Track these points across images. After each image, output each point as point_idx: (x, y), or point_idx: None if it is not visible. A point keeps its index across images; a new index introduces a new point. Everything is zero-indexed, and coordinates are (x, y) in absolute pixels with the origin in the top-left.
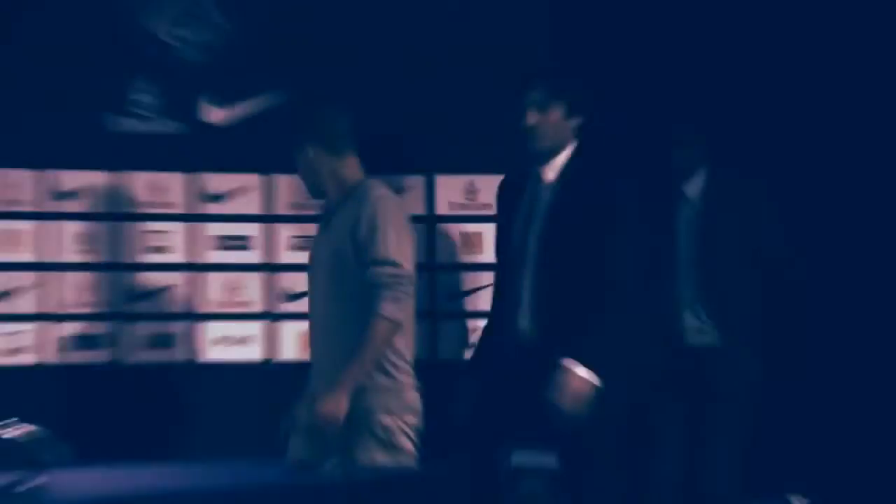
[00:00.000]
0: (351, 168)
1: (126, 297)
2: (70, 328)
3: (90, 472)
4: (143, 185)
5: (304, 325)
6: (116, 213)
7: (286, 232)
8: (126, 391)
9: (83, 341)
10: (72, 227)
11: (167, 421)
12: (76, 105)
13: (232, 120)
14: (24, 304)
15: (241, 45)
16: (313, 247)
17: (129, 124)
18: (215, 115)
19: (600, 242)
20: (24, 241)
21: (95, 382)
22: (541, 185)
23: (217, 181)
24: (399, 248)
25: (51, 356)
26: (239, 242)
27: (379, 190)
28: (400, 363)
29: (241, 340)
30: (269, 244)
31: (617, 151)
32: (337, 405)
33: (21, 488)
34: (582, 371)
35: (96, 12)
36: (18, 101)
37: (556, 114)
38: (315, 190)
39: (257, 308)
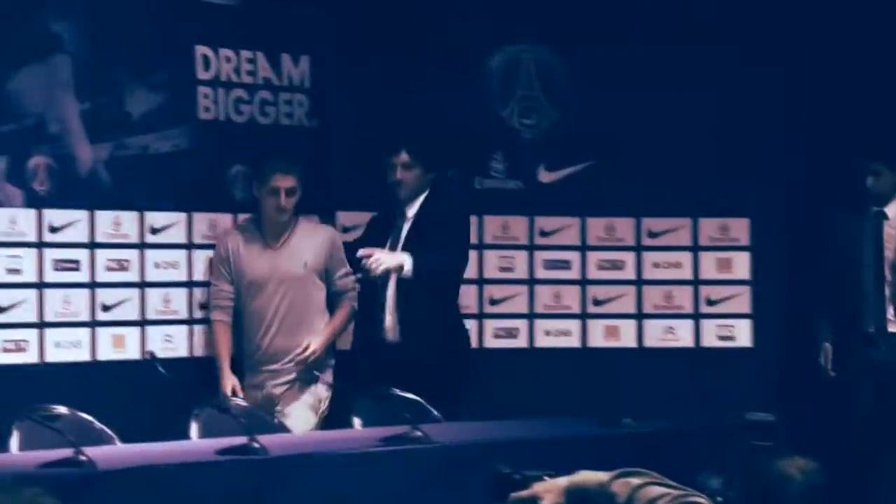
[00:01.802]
0: None
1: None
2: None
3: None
4: (497, 225)
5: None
6: (473, 245)
7: (595, 256)
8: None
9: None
10: None
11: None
12: (463, 171)
13: (558, 180)
14: None
15: (564, 128)
16: None
17: (490, 183)
18: (546, 176)
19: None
20: None
21: None
22: (403, 220)
23: (545, 223)
24: None
25: None
26: (563, 264)
27: None
28: None
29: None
30: (584, 266)
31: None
32: None
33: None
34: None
35: (470, 112)
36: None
37: (416, 171)
38: None
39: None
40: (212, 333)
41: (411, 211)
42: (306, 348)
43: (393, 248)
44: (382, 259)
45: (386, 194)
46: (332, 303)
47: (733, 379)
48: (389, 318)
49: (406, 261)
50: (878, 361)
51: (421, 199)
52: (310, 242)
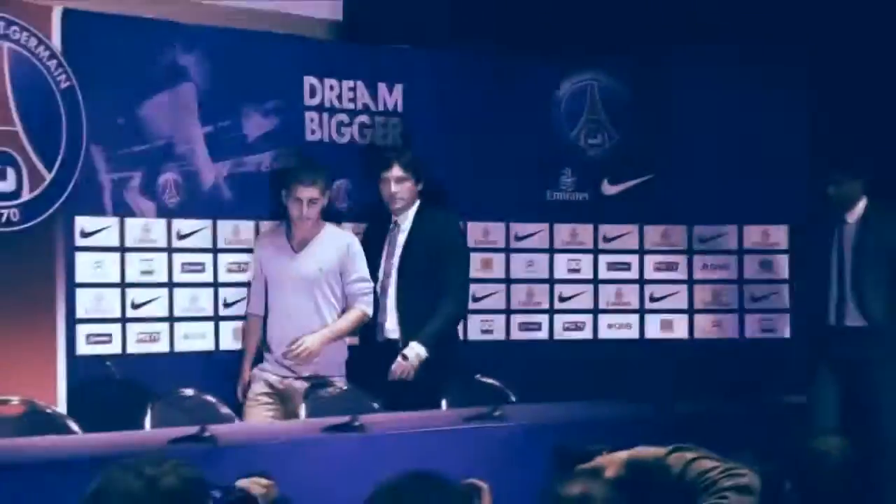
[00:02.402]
0: None
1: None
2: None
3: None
4: (567, 232)
5: None
6: (545, 249)
7: (652, 259)
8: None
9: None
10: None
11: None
12: (534, 184)
13: (619, 192)
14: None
15: (625, 147)
16: None
17: (560, 195)
18: (609, 189)
19: (442, 265)
20: (496, 266)
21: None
22: (398, 230)
23: (608, 230)
24: None
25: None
26: (624, 266)
27: None
28: None
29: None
30: (642, 268)
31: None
32: None
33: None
34: (411, 352)
35: (544, 133)
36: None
37: (409, 183)
38: None
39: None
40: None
41: (405, 222)
42: (300, 344)
43: (389, 258)
44: (405, 369)
45: (380, 207)
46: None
47: (774, 366)
48: (390, 320)
49: (421, 351)
50: (840, 356)
51: (413, 209)
52: (328, 247)
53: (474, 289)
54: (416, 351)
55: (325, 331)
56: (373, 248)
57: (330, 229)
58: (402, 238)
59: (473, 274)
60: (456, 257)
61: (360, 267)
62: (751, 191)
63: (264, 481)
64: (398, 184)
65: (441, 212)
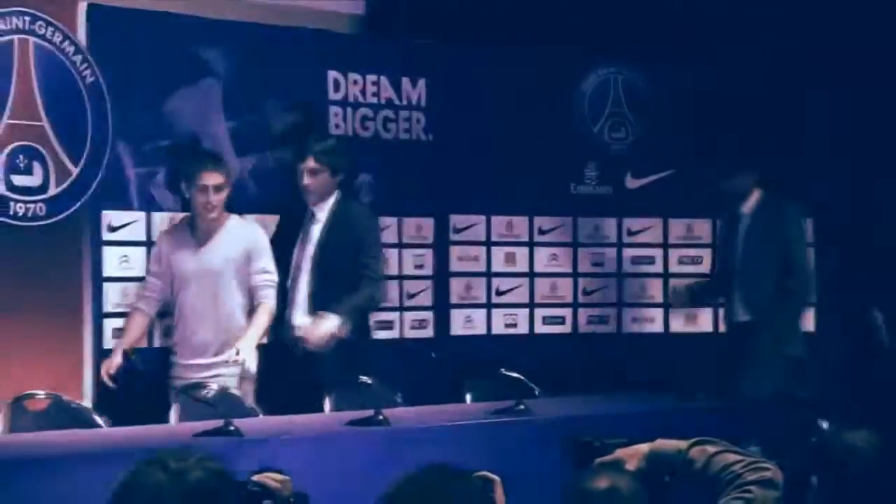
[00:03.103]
0: None
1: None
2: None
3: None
4: (591, 225)
5: None
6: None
7: (676, 253)
8: None
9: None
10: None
11: None
12: (561, 179)
13: (643, 186)
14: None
15: (648, 141)
16: None
17: (584, 189)
18: (633, 183)
19: (360, 259)
20: (519, 259)
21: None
22: (313, 221)
23: (632, 223)
24: None
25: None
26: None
27: None
28: None
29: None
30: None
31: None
32: None
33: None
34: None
35: (564, 128)
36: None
37: (323, 175)
38: None
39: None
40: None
41: (321, 213)
42: (237, 354)
43: (303, 247)
44: (312, 334)
45: (297, 197)
46: (252, 299)
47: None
48: (298, 315)
49: (333, 321)
50: (727, 353)
51: (330, 201)
52: (233, 239)
53: (498, 282)
54: (330, 320)
55: (251, 334)
56: (285, 238)
57: (235, 220)
58: (317, 229)
59: (497, 268)
60: (374, 251)
61: (266, 259)
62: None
63: (279, 476)
64: (311, 176)
65: (359, 205)
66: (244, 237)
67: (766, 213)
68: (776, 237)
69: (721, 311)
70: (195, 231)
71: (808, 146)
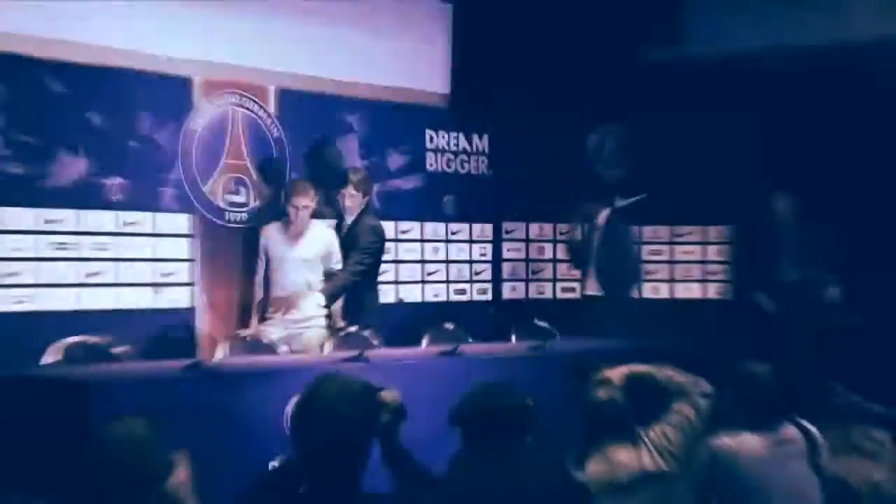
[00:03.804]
0: None
1: None
2: None
3: None
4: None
5: None
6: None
7: (646, 248)
8: None
9: None
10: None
11: None
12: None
13: (627, 205)
14: None
15: (630, 175)
16: None
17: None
18: (620, 203)
19: (371, 245)
20: (547, 250)
21: None
22: (347, 224)
23: None
24: None
25: None
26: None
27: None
28: None
29: None
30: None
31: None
32: None
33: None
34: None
35: (578, 166)
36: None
37: (358, 197)
38: None
39: None
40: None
41: (350, 220)
42: (327, 307)
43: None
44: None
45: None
46: (328, 279)
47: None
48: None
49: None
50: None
51: (356, 213)
52: (315, 240)
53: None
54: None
55: (327, 293)
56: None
57: (317, 225)
58: (347, 230)
59: (533, 255)
60: (363, 250)
61: (338, 254)
62: (709, 207)
63: (394, 392)
64: (351, 198)
65: (371, 217)
66: (324, 238)
67: (614, 225)
68: (622, 240)
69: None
70: (288, 231)
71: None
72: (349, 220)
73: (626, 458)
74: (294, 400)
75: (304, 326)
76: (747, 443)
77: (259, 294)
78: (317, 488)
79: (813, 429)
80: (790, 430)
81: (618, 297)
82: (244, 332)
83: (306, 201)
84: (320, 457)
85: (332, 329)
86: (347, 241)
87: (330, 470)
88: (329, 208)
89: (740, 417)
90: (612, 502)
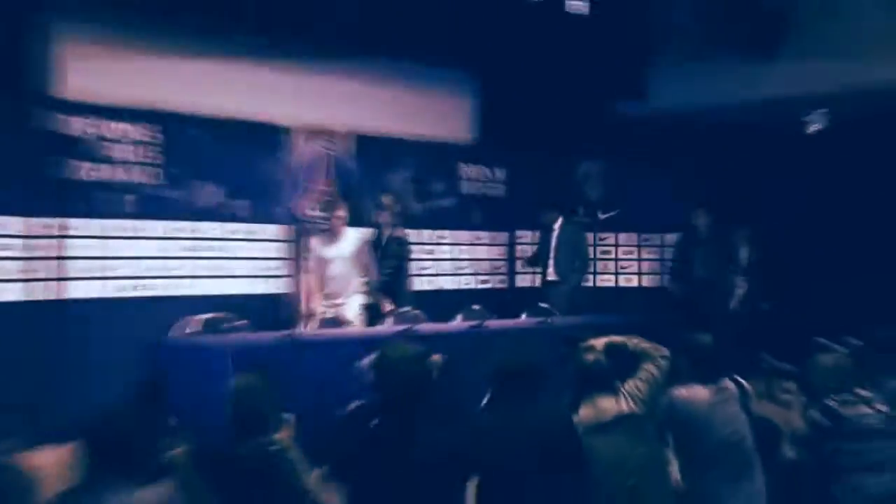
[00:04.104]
0: None
1: None
2: None
3: None
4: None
5: None
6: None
7: (622, 249)
8: None
9: None
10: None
11: None
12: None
13: (606, 217)
14: None
15: (607, 195)
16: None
17: (576, 219)
18: (602, 216)
19: (399, 250)
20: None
21: None
22: (384, 234)
23: (602, 235)
24: None
25: None
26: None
27: None
28: None
29: None
30: (616, 252)
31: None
32: None
33: None
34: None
35: (572, 187)
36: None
37: (389, 215)
38: None
39: None
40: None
41: (387, 234)
42: (369, 295)
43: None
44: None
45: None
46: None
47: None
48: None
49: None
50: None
51: (389, 228)
52: (351, 242)
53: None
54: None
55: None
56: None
57: (350, 230)
58: (385, 239)
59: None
60: (395, 258)
61: (367, 253)
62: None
63: (438, 355)
64: (385, 217)
65: (400, 230)
66: (356, 241)
67: (568, 228)
68: (573, 241)
69: (538, 277)
70: (329, 235)
71: None
72: (385, 233)
73: (608, 405)
74: (367, 360)
75: (344, 306)
76: (697, 392)
77: (316, 284)
78: (387, 423)
79: (744, 381)
80: (728, 383)
81: (569, 283)
82: (322, 311)
83: (341, 213)
84: (390, 400)
85: (366, 308)
86: (383, 248)
87: (396, 410)
88: (371, 224)
89: (691, 374)
90: (600, 437)
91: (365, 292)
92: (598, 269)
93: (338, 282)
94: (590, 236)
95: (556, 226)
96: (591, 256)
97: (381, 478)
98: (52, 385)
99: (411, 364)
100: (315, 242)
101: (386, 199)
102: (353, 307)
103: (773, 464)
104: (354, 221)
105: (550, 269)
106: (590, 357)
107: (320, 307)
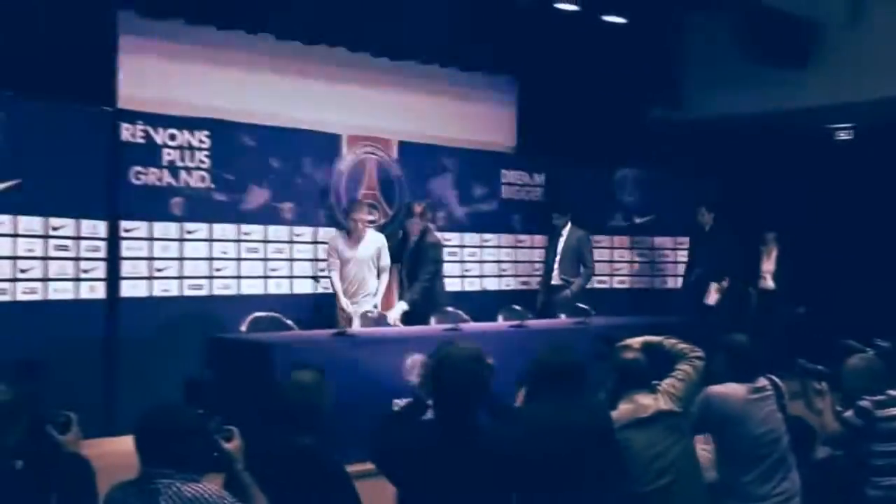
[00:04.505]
0: None
1: None
2: None
3: None
4: (622, 241)
5: None
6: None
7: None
8: None
9: None
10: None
11: None
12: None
13: (643, 222)
14: None
15: (645, 201)
16: None
17: (615, 223)
18: (638, 219)
19: (425, 254)
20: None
21: None
22: (412, 238)
23: (625, 240)
24: None
25: None
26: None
27: None
28: None
29: None
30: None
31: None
32: None
33: None
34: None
35: (609, 193)
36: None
37: (419, 222)
38: None
39: None
40: (331, 279)
41: (414, 239)
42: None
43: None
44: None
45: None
46: (379, 275)
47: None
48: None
49: (403, 307)
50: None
51: (418, 234)
52: (370, 243)
53: None
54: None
55: (382, 290)
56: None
57: (370, 232)
58: (413, 244)
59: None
60: (429, 262)
61: (386, 254)
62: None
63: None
64: (416, 224)
65: (431, 235)
66: (375, 243)
67: (571, 233)
68: (576, 246)
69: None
70: (350, 237)
71: None
72: (413, 239)
73: (647, 402)
74: (424, 358)
75: (363, 305)
76: (733, 390)
77: (338, 283)
78: (445, 421)
79: (779, 381)
80: (763, 381)
81: (573, 287)
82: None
83: (363, 216)
84: (451, 398)
85: (384, 308)
86: (413, 253)
87: (456, 408)
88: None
89: (727, 372)
90: (638, 432)
91: (404, 295)
92: (635, 272)
93: (355, 282)
94: (592, 240)
95: (565, 231)
96: (595, 260)
97: (439, 476)
98: (106, 381)
99: (474, 362)
100: (339, 243)
101: (417, 207)
102: (396, 309)
103: (805, 464)
104: (398, 225)
105: (555, 273)
106: (629, 355)
107: (343, 306)
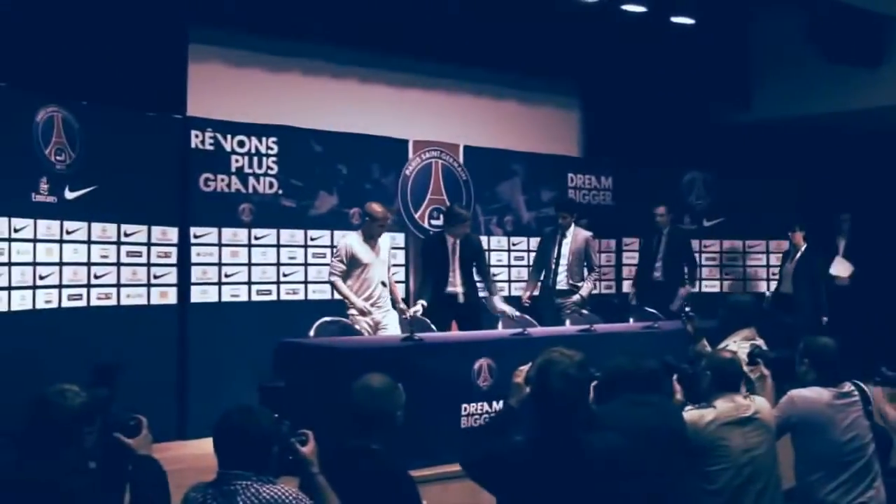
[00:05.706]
0: None
1: None
2: None
3: None
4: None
5: None
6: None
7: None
8: None
9: None
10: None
11: None
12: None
13: (710, 224)
14: None
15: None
16: None
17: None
18: (707, 223)
19: (479, 257)
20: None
21: None
22: (458, 245)
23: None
24: None
25: None
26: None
27: None
28: None
29: None
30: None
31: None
32: None
33: None
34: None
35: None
36: None
37: (465, 226)
38: None
39: None
40: (336, 284)
41: (459, 241)
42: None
43: (454, 256)
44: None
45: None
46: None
47: None
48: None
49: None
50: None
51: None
52: (386, 246)
53: None
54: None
55: (396, 293)
56: (437, 250)
57: (386, 235)
58: (457, 247)
59: None
60: (484, 256)
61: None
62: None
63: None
64: (464, 228)
65: (475, 235)
66: (387, 245)
67: (578, 235)
68: (583, 248)
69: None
70: (367, 239)
71: None
72: (456, 239)
73: (744, 402)
74: (527, 366)
75: (380, 306)
76: (818, 393)
77: (355, 287)
78: (549, 430)
79: (866, 387)
80: (848, 386)
81: (582, 291)
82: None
83: (381, 219)
84: (554, 405)
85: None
86: (465, 254)
87: (560, 417)
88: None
89: (813, 377)
90: (736, 430)
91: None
92: (704, 276)
93: (375, 285)
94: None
95: (569, 232)
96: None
97: (549, 488)
98: (178, 386)
99: (581, 370)
100: (356, 247)
101: (467, 214)
102: (388, 308)
103: (884, 472)
104: (474, 229)
105: (562, 277)
106: (726, 355)
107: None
